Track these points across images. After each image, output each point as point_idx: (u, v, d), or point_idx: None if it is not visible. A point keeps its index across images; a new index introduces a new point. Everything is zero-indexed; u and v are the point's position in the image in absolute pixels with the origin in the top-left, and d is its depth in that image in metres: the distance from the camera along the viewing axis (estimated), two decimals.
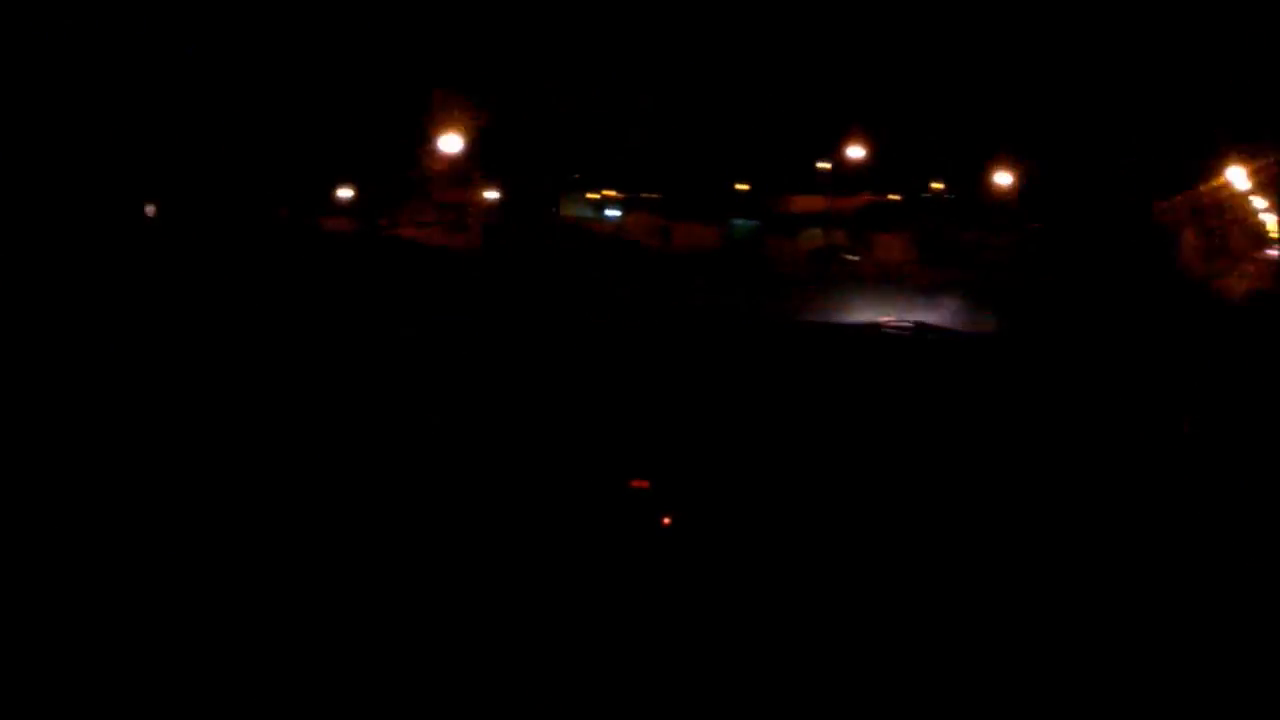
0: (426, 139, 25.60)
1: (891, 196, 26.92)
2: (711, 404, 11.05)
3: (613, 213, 27.47)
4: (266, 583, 6.62)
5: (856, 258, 25.71)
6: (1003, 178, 26.81)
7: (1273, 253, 34.95)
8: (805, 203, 26.88)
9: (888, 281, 25.07)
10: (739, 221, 26.61)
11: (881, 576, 7.04)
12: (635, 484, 8.19)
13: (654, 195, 26.99)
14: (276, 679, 5.56)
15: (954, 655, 6.01)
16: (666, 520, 7.74)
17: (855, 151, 26.11)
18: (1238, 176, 32.86)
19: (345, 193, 26.39)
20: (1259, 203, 35.30)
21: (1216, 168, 32.22)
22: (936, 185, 27.28)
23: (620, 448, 9.35)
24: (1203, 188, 32.33)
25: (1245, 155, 31.75)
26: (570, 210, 27.32)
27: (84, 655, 5.67)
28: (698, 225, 26.54)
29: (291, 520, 7.63)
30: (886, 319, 19.86)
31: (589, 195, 27.99)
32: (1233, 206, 34.19)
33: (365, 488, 8.31)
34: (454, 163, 26.04)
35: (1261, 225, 38.16)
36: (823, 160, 26.53)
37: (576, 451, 9.21)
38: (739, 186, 26.62)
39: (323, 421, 9.91)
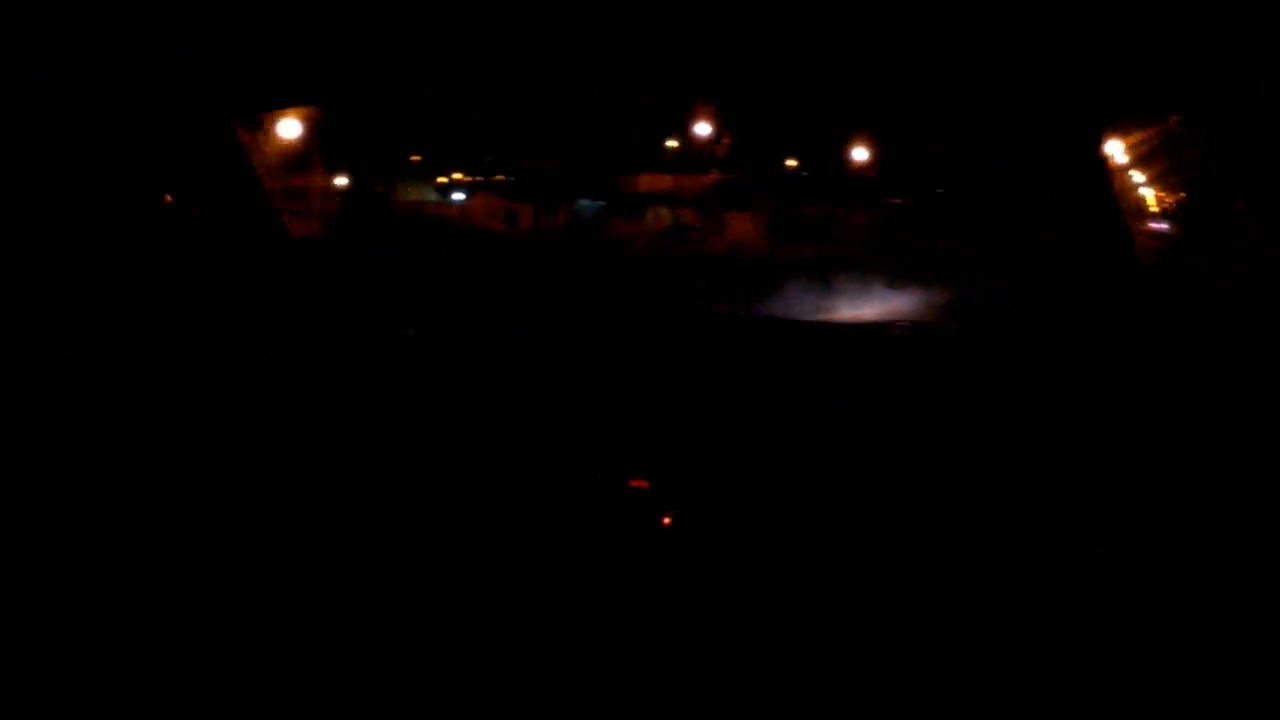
0: (262, 125, 24.85)
1: (742, 175, 26.27)
2: (711, 404, 10.87)
3: (459, 196, 26.76)
4: (255, 586, 6.39)
5: (698, 237, 25.01)
6: (860, 154, 26.18)
7: (1152, 225, 34.61)
8: (652, 182, 26.22)
9: (740, 260, 24.46)
10: (584, 202, 25.92)
11: (882, 576, 6.81)
12: (635, 484, 7.94)
13: (501, 178, 26.31)
14: (276, 678, 5.50)
15: (954, 654, 5.78)
16: (666, 520, 7.48)
17: (702, 129, 25.47)
18: (1116, 150, 32.42)
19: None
20: (1137, 177, 34.95)
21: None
22: (791, 162, 26.61)
23: (620, 448, 9.21)
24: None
25: (1123, 129, 31.31)
26: (414, 195, 26.57)
27: (84, 655, 5.58)
28: (543, 207, 25.82)
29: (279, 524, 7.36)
30: (887, 319, 19.43)
31: (439, 180, 27.26)
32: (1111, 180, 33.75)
33: (362, 487, 8.09)
34: (292, 148, 25.29)
35: (1141, 199, 37.86)
36: (670, 139, 25.89)
37: (577, 451, 9.01)
38: (585, 167, 25.92)
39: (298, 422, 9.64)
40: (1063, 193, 28.87)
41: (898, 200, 26.51)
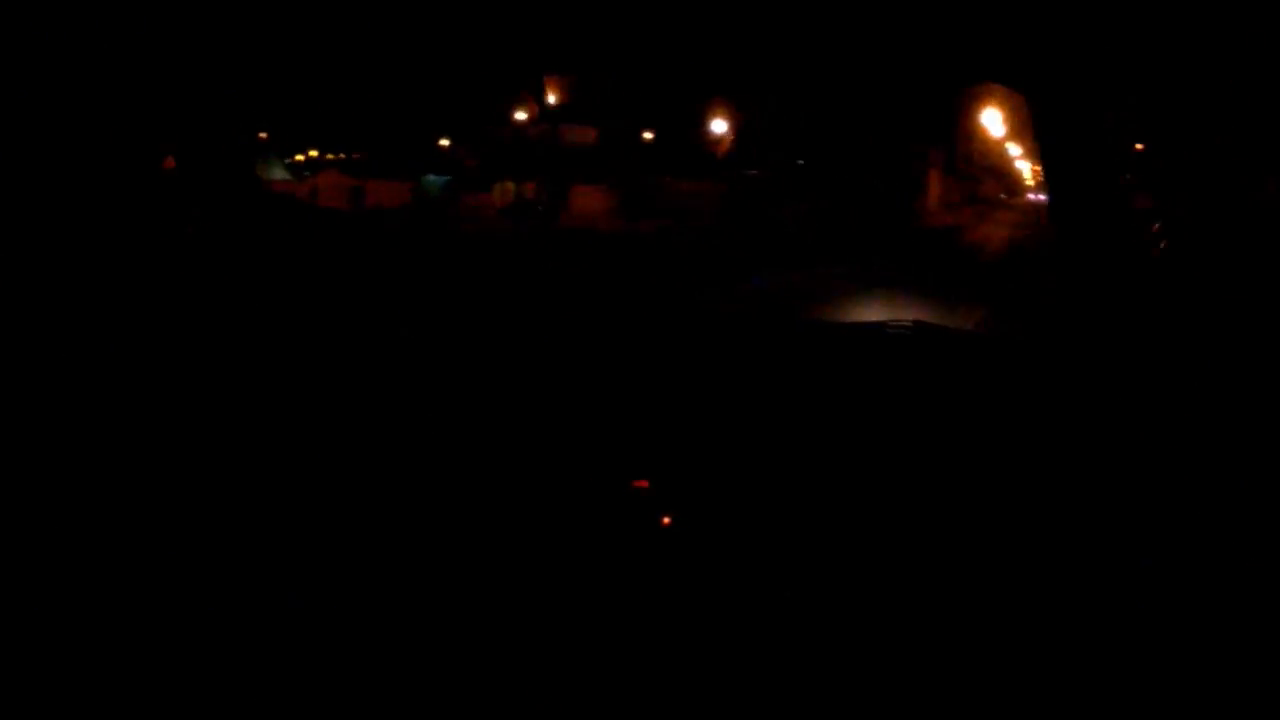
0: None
1: (595, 145, 25.94)
2: (712, 403, 10.80)
3: (308, 173, 26.41)
4: (252, 586, 6.30)
5: (542, 209, 24.60)
6: (718, 125, 25.90)
7: (1031, 198, 34.47)
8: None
9: (589, 234, 24.01)
10: (431, 177, 25.55)
11: (883, 576, 6.71)
12: (635, 484, 7.82)
13: (357, 155, 25.95)
14: (275, 679, 5.39)
15: (955, 656, 5.69)
16: (666, 520, 7.38)
17: (551, 99, 25.11)
18: (994, 121, 32.31)
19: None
20: (1014, 149, 34.84)
21: (969, 115, 31.59)
22: (647, 135, 26.33)
23: (620, 448, 9.10)
24: (956, 134, 31.70)
25: (1000, 101, 31.11)
26: (267, 174, 26.12)
27: (84, 656, 5.46)
28: (389, 183, 25.45)
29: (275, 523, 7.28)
30: (887, 318, 19.03)
31: (297, 157, 26.92)
32: (985, 153, 33.67)
33: (360, 485, 7.95)
34: None
35: (1017, 172, 37.83)
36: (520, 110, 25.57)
37: (577, 451, 8.89)
38: (443, 142, 25.59)
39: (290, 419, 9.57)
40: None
41: (753, 172, 26.18)
